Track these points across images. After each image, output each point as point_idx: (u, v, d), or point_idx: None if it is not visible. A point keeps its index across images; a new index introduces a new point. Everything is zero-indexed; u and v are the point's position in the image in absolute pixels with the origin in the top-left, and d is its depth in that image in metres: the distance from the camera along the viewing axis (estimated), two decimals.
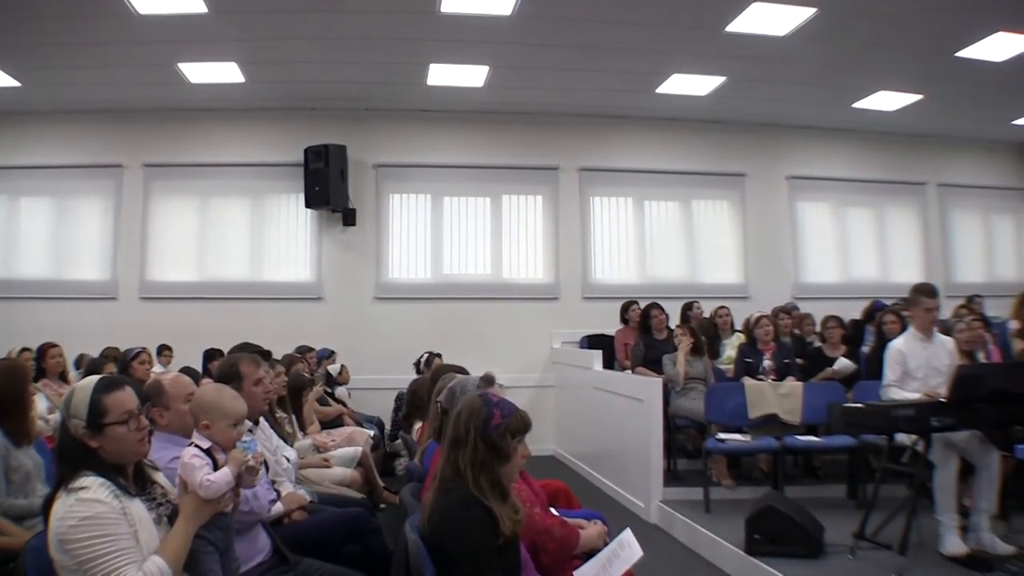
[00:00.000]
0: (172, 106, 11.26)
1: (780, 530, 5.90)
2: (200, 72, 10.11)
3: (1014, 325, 9.60)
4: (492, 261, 11.96)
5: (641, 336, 9.78)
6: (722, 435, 7.75)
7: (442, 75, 10.31)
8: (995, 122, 13.18)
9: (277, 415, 6.25)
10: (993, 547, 5.65)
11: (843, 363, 9.06)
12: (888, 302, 10.07)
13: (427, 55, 9.72)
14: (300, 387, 7.52)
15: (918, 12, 8.75)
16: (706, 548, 6.61)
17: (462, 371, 5.59)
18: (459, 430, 3.21)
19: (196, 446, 3.19)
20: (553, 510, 4.38)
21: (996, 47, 9.73)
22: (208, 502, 3.05)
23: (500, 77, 10.39)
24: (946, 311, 9.48)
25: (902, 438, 6.10)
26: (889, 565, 5.46)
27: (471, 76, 10.35)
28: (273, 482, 4.56)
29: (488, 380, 4.83)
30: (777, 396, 8.03)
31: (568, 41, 9.26)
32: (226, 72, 10.10)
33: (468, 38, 9.12)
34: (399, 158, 11.69)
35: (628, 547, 3.72)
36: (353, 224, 11.47)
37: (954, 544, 5.70)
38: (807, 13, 8.65)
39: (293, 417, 7.05)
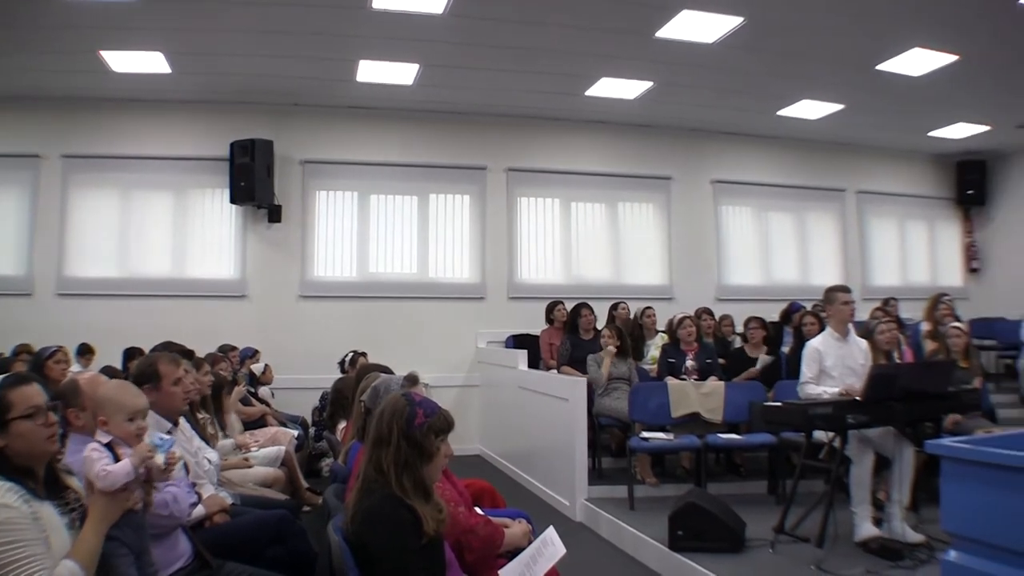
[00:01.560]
0: (94, 95, 10.86)
1: (703, 526, 5.99)
2: (124, 61, 9.77)
3: (926, 327, 9.90)
4: (419, 260, 11.87)
5: (567, 336, 9.85)
6: (646, 434, 7.82)
7: (372, 72, 10.22)
8: (912, 133, 13.54)
9: (199, 416, 6.16)
10: (904, 536, 5.83)
11: (764, 361, 9.27)
12: (808, 304, 10.30)
13: (357, 51, 9.63)
14: (222, 387, 7.42)
15: (841, 26, 8.96)
16: (630, 545, 6.69)
17: (387, 370, 5.55)
18: (382, 429, 3.20)
19: (97, 441, 3.16)
20: (478, 509, 4.37)
21: (914, 62, 10.05)
22: (116, 500, 3.00)
23: (430, 76, 10.34)
24: (863, 313, 9.74)
25: (820, 435, 6.25)
26: (808, 557, 5.62)
27: (401, 74, 10.27)
28: (194, 484, 4.45)
29: (412, 379, 4.81)
30: (699, 395, 8.16)
31: (499, 42, 9.27)
32: (152, 62, 9.78)
33: (399, 35, 9.05)
34: (327, 155, 11.55)
35: (551, 545, 3.75)
36: (279, 221, 11.26)
37: (868, 530, 5.92)
38: (735, 22, 8.77)
39: (215, 418, 6.97)
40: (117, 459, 3.09)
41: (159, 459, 3.18)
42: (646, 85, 10.83)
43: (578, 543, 6.52)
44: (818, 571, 5.46)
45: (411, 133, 11.85)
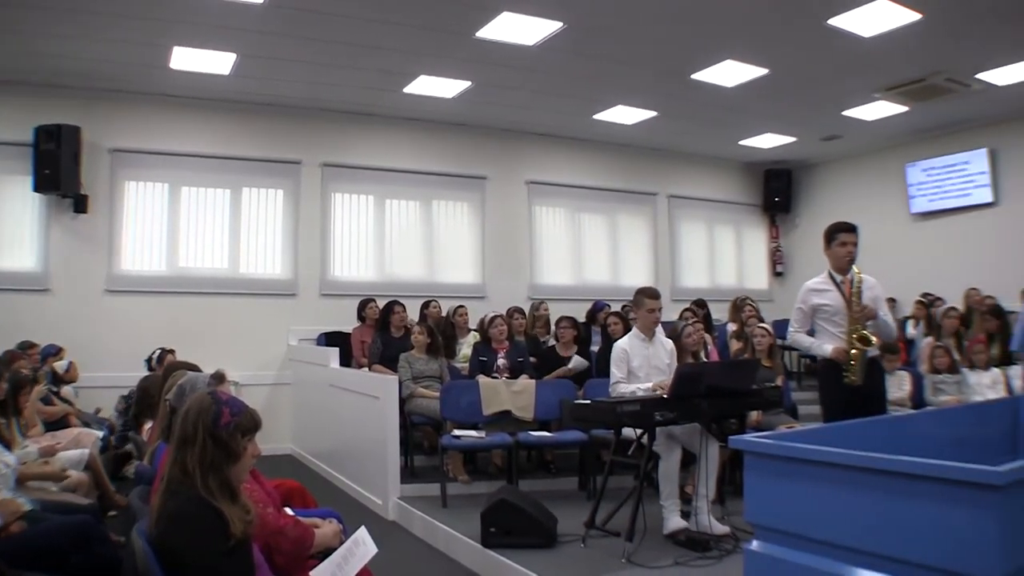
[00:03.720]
0: None
1: (515, 522, 6.04)
2: None
3: (732, 327, 10.26)
4: (230, 255, 11.47)
5: (378, 334, 9.79)
6: (457, 432, 7.83)
7: (186, 59, 9.79)
8: (723, 141, 14.10)
9: None
10: (711, 528, 6.04)
11: (577, 361, 9.38)
12: (618, 304, 10.54)
13: (171, 37, 9.16)
14: (21, 386, 7.06)
15: (658, 35, 9.19)
16: (443, 543, 6.68)
17: (195, 368, 5.39)
18: (187, 429, 3.09)
19: None
20: (288, 510, 4.29)
21: (726, 73, 10.44)
22: None
23: (247, 66, 10.03)
24: (673, 314, 10.01)
25: (629, 432, 6.36)
26: (618, 550, 5.72)
27: (217, 63, 9.90)
28: None
29: (219, 377, 4.68)
30: (511, 393, 8.26)
31: (319, 35, 9.08)
32: None
33: (216, 23, 8.72)
34: (137, 144, 10.96)
35: (363, 544, 3.72)
36: (85, 211, 10.59)
37: (676, 523, 6.10)
38: (555, 26, 8.86)
39: (14, 419, 6.63)
40: None
41: None
42: (464, 85, 10.84)
43: (391, 542, 6.54)
44: (628, 564, 5.57)
45: (226, 124, 11.45)
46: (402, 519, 7.59)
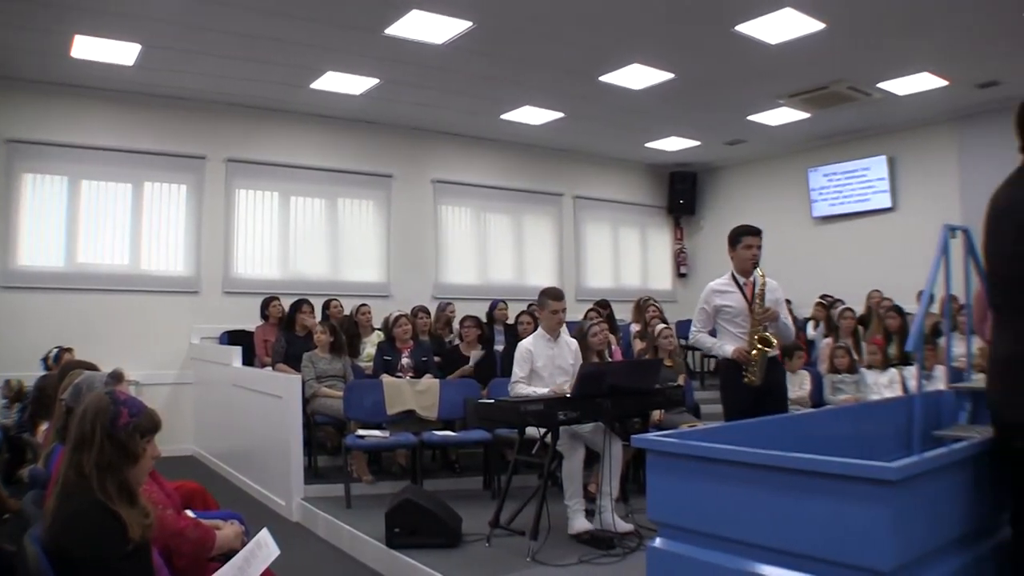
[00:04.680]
0: None
1: (419, 522, 6.01)
2: None
3: (635, 328, 10.36)
4: (131, 251, 11.14)
5: (281, 333, 9.68)
6: (361, 432, 7.76)
7: (88, 48, 9.46)
8: (630, 143, 14.27)
9: None
10: (615, 526, 6.07)
11: (476, 357, 9.49)
12: (522, 304, 10.60)
13: (72, 24, 8.81)
14: None
15: (567, 37, 9.24)
16: (348, 544, 6.62)
17: (92, 367, 5.26)
18: (84, 430, 3.00)
19: None
20: (189, 512, 4.22)
21: (633, 76, 10.57)
22: None
23: (152, 57, 9.76)
24: (577, 314, 10.08)
25: (532, 431, 6.39)
26: (523, 549, 5.73)
27: (121, 53, 9.60)
28: None
29: (116, 376, 4.56)
30: (415, 393, 8.23)
31: (225, 27, 8.89)
32: None
33: (119, 11, 8.45)
34: (35, 135, 10.56)
35: (265, 546, 3.67)
36: None
37: (580, 523, 6.12)
38: (464, 25, 8.85)
39: None
40: None
41: None
42: (373, 82, 10.76)
43: (295, 544, 6.45)
44: (533, 563, 5.58)
45: (129, 117, 11.10)
46: (306, 520, 7.50)
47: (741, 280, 6.30)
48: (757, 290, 6.15)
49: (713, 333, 6.43)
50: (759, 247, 6.32)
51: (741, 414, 5.53)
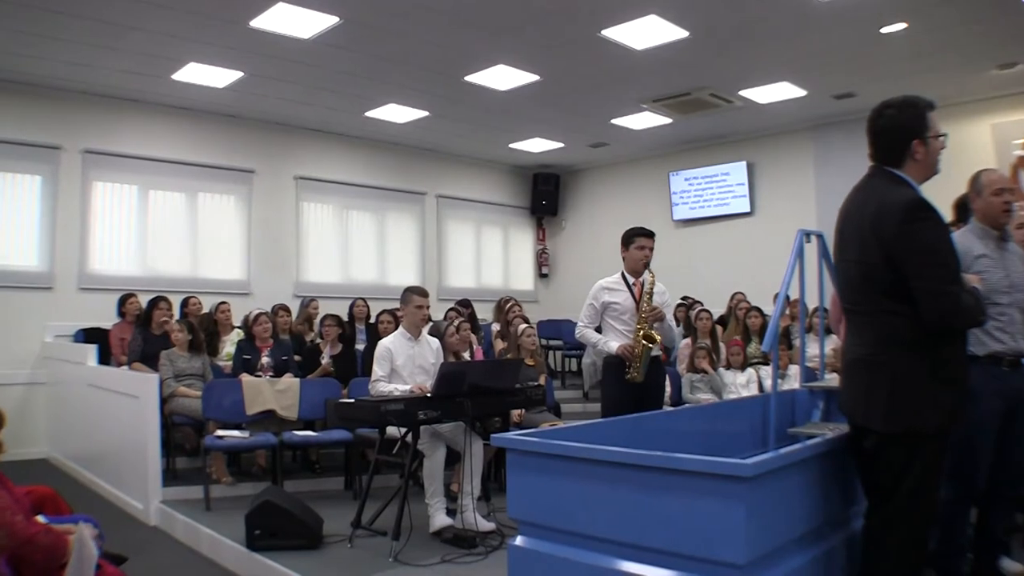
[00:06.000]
0: None
1: (280, 524, 5.96)
2: None
3: (496, 327, 10.42)
4: None
5: (138, 330, 9.41)
6: (221, 432, 7.62)
7: None
8: (494, 144, 14.34)
9: None
10: (477, 525, 6.12)
11: (332, 353, 9.44)
12: (384, 304, 10.55)
13: None
14: None
15: (433, 36, 9.23)
16: (208, 547, 6.48)
17: None
18: None
19: None
20: (41, 517, 4.09)
21: (499, 77, 10.63)
22: None
23: (6, 43, 9.35)
24: (439, 313, 10.08)
25: (393, 431, 6.36)
26: (385, 549, 5.73)
27: None
28: None
29: None
30: (275, 392, 8.10)
31: (81, 12, 8.52)
32: None
33: None
34: None
35: (85, 545, 3.62)
36: None
37: (441, 520, 6.18)
38: (331, 21, 8.76)
39: None
40: None
41: None
42: (236, 75, 10.54)
43: (153, 548, 6.37)
44: (395, 562, 5.58)
45: None
46: (164, 524, 7.30)
47: (631, 279, 6.51)
48: (646, 290, 6.36)
49: (599, 330, 6.55)
50: (651, 248, 6.60)
51: (619, 411, 5.63)
